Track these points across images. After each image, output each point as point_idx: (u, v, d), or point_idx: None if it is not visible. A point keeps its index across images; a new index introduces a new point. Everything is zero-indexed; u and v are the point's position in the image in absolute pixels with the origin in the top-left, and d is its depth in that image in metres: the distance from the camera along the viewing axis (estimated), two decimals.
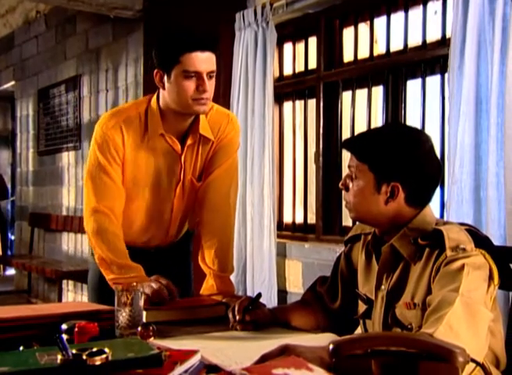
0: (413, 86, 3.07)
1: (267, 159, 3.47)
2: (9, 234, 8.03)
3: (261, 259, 3.44)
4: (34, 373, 1.09)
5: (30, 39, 6.31)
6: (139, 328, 1.45)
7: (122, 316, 1.50)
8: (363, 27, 3.36)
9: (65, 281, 5.48)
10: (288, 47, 3.79)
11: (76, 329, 1.37)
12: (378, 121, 3.29)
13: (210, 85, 1.87)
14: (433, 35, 2.95)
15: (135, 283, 1.56)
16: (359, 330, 1.67)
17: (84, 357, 1.08)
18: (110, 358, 1.10)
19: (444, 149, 2.71)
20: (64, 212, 5.70)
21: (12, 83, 6.77)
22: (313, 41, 3.56)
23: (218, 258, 2.04)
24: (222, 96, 3.59)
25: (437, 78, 2.92)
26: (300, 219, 3.72)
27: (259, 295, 1.67)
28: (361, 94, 3.34)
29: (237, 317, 1.59)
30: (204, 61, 1.84)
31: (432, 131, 2.84)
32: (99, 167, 1.95)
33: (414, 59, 3.02)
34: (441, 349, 1.01)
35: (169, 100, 1.91)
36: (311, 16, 3.52)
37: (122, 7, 4.59)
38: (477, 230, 1.52)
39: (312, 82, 3.54)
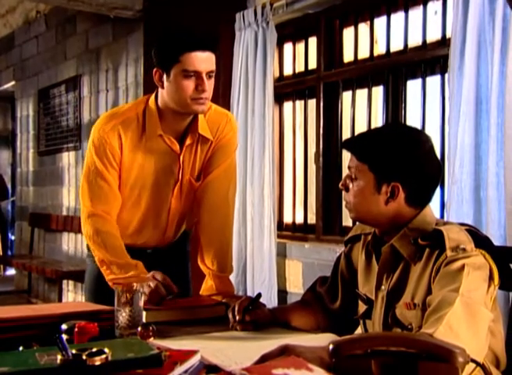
0: (413, 86, 3.07)
1: (267, 159, 3.47)
2: (9, 234, 8.03)
3: (261, 259, 3.44)
4: (34, 374, 1.09)
5: (30, 39, 6.31)
6: (139, 328, 1.45)
7: (122, 316, 1.50)
8: (363, 27, 3.36)
9: (65, 281, 5.48)
10: (288, 47, 3.79)
11: (76, 329, 1.37)
12: (378, 121, 3.29)
13: (209, 85, 1.87)
14: (433, 35, 2.95)
15: (135, 284, 1.56)
16: (359, 331, 1.67)
17: (84, 357, 1.08)
18: (110, 358, 1.10)
19: (444, 149, 2.71)
20: (64, 212, 5.70)
21: (13, 83, 6.77)
22: (313, 41, 3.56)
23: (217, 258, 2.04)
24: (222, 96, 3.59)
25: (437, 78, 2.92)
26: (300, 220, 3.72)
27: (259, 295, 1.67)
28: (361, 94, 3.34)
29: (237, 317, 1.59)
30: (203, 61, 1.84)
31: (432, 131, 2.84)
32: (96, 171, 1.95)
33: (414, 59, 3.02)
34: (441, 349, 1.01)
35: (168, 99, 1.90)
36: (311, 16, 3.52)
37: (122, 7, 4.59)
38: (477, 230, 1.52)
39: (312, 82, 3.54)
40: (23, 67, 6.49)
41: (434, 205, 1.95)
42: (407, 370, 1.01)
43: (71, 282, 5.54)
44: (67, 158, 5.66)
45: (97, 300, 1.97)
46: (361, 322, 1.62)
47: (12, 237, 7.68)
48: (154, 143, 1.97)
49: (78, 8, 4.79)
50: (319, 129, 3.47)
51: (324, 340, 1.29)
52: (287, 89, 3.74)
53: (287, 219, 3.79)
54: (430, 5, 2.96)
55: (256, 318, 1.60)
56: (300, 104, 3.73)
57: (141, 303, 1.54)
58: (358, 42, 3.35)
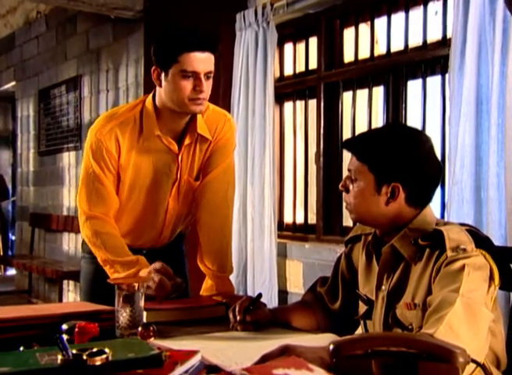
0: (413, 86, 3.07)
1: (267, 160, 3.47)
2: (10, 235, 8.03)
3: (262, 260, 3.44)
4: (34, 374, 1.09)
5: (30, 39, 6.31)
6: (139, 328, 1.45)
7: (123, 317, 1.50)
8: (363, 27, 3.36)
9: (65, 281, 5.48)
10: (288, 47, 3.79)
11: (77, 329, 1.37)
12: (378, 121, 3.29)
13: (207, 85, 1.87)
14: (434, 35, 2.95)
15: (135, 284, 1.56)
16: (359, 331, 1.67)
17: (84, 357, 1.08)
18: (110, 358, 1.10)
19: (445, 150, 2.71)
20: (64, 213, 5.70)
21: (13, 83, 6.77)
22: (313, 42, 3.56)
23: (217, 258, 2.04)
24: (223, 96, 3.59)
25: (438, 78, 2.92)
26: (300, 220, 3.72)
27: (260, 295, 1.67)
28: (362, 94, 3.34)
29: (238, 317, 1.59)
30: (202, 61, 1.83)
31: (433, 132, 2.84)
32: (93, 174, 1.96)
33: (414, 60, 3.02)
34: (441, 350, 1.01)
35: (166, 98, 1.90)
36: (311, 17, 3.52)
37: (122, 7, 4.59)
38: (477, 230, 1.52)
39: (313, 82, 3.54)
40: (24, 67, 6.50)
41: (434, 206, 1.94)
42: (408, 370, 1.01)
43: (71, 282, 5.54)
44: (67, 158, 5.67)
45: (93, 301, 1.97)
46: (362, 322, 1.62)
47: (13, 238, 7.69)
48: (152, 143, 1.97)
49: (78, 8, 4.80)
50: (320, 129, 3.47)
51: (324, 340, 1.29)
52: (288, 89, 3.74)
53: (288, 219, 3.79)
54: (430, 5, 2.96)
55: (256, 318, 1.60)
56: (300, 104, 3.73)
57: (142, 303, 1.54)
58: (359, 42, 3.35)
